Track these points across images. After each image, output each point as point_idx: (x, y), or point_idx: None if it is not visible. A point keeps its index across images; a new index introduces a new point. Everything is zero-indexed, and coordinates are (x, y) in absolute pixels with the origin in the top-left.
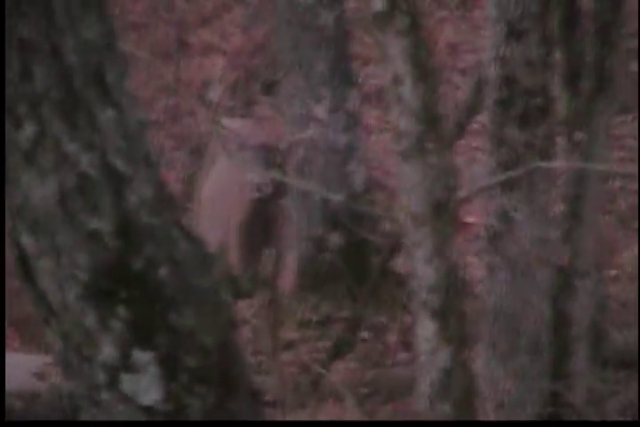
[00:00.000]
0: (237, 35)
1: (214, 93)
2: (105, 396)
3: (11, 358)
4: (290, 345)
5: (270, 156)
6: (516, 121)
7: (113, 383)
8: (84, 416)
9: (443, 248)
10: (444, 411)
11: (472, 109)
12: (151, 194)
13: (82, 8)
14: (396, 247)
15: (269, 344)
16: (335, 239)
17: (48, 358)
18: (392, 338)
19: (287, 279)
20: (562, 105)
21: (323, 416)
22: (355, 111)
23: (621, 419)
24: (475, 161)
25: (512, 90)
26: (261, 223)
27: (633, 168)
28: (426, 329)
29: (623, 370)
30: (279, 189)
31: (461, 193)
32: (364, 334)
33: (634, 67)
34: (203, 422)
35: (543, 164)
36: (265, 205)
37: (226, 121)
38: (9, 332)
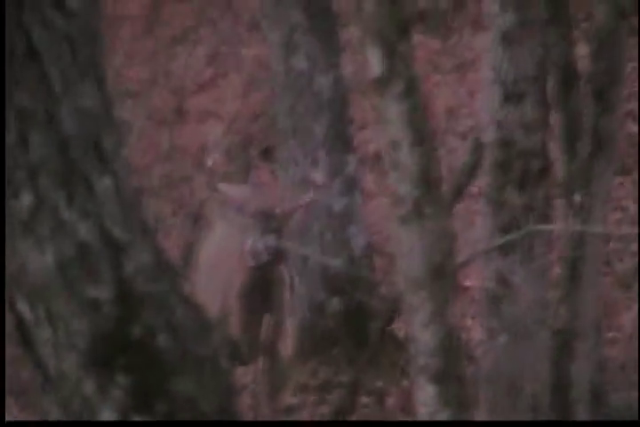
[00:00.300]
0: (234, 101)
1: (211, 159)
2: None
3: None
4: (289, 411)
5: (268, 222)
6: (514, 184)
7: None
8: None
9: (441, 312)
10: None
11: (470, 173)
12: (149, 261)
13: (78, 76)
14: (394, 312)
15: (268, 410)
16: (334, 304)
17: None
18: (391, 402)
19: (286, 345)
20: (560, 167)
21: None
22: (352, 176)
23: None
24: (473, 224)
25: (509, 153)
26: (261, 289)
27: (631, 229)
28: (425, 393)
29: None
30: (278, 255)
31: (460, 257)
32: (364, 399)
33: (631, 128)
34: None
35: (541, 226)
36: (264, 270)
37: (223, 187)
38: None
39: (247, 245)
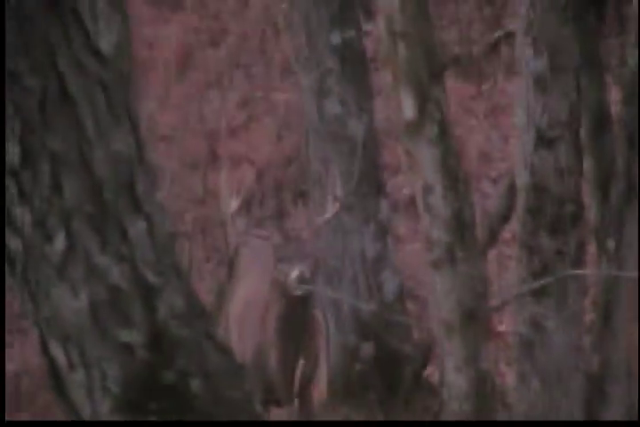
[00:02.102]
0: (267, 145)
1: (234, 206)
2: None
3: None
4: None
5: (289, 246)
6: (546, 229)
7: None
8: None
9: (474, 357)
10: None
11: (503, 217)
12: (182, 305)
13: (111, 120)
14: (428, 357)
15: None
16: (367, 349)
17: None
18: None
19: (320, 389)
20: (592, 212)
21: None
22: (385, 220)
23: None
24: (506, 269)
25: (542, 198)
26: (296, 331)
27: None
28: None
29: None
30: (311, 297)
31: (493, 301)
32: None
33: None
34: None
35: (574, 271)
36: (299, 311)
37: (255, 235)
38: None
39: (283, 274)
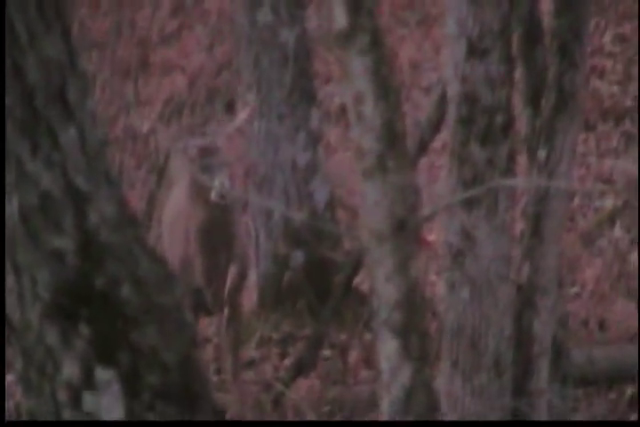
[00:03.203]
0: (198, 53)
1: (174, 112)
2: (67, 414)
3: None
4: (251, 363)
5: (207, 156)
6: (477, 139)
7: (75, 402)
8: None
9: (404, 266)
10: None
11: (434, 127)
12: (112, 212)
13: (43, 26)
14: (357, 265)
15: (230, 362)
16: (297, 257)
17: (10, 377)
18: (354, 356)
19: (248, 297)
20: (523, 123)
21: None
22: (316, 129)
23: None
24: (437, 179)
25: (473, 108)
26: (223, 240)
27: (594, 186)
28: (387, 347)
29: (583, 387)
30: (240, 205)
31: (423, 211)
32: (326, 352)
33: (595, 84)
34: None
35: (504, 181)
36: (220, 222)
37: (186, 140)
38: None
39: (203, 183)
